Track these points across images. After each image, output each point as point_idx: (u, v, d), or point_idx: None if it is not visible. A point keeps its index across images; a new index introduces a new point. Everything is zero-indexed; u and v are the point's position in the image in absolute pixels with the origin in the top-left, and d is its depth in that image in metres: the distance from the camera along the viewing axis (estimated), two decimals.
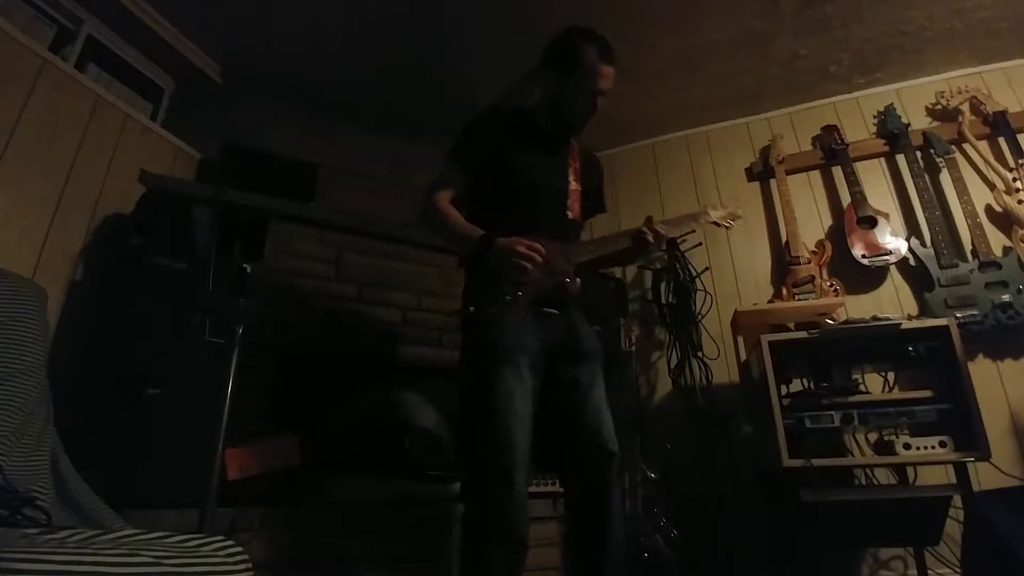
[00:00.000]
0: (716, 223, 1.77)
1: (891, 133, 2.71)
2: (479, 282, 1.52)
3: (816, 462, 1.89)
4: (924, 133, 2.65)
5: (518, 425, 1.38)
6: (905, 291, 2.56)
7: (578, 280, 1.53)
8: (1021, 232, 2.37)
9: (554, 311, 1.52)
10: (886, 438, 1.98)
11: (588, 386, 1.54)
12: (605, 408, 1.54)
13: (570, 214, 1.64)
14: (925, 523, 1.89)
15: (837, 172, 2.80)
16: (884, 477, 2.28)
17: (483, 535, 1.38)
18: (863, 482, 2.25)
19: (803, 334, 2.08)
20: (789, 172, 2.86)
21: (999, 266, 2.33)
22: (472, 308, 1.49)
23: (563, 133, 1.67)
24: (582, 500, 1.51)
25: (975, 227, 2.41)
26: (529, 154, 1.60)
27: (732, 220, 1.79)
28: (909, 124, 2.70)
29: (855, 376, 2.10)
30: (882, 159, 2.78)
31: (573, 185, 1.66)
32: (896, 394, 2.10)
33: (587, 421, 1.50)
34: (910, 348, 1.97)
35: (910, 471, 2.20)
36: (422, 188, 1.63)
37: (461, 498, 1.50)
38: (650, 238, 1.57)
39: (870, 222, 2.61)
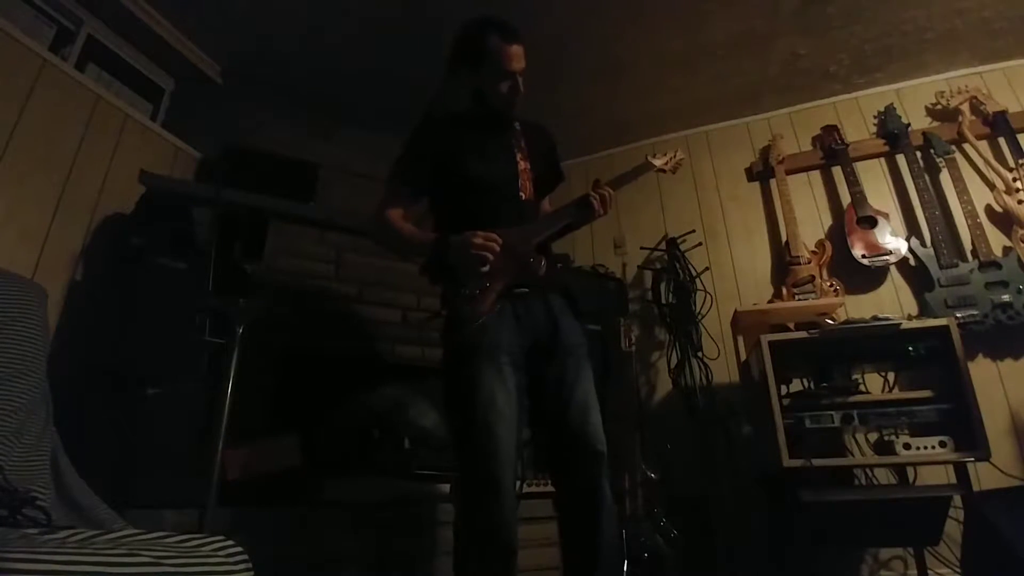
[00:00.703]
0: (662, 169, 1.76)
1: (891, 133, 2.71)
2: (448, 285, 1.51)
3: (816, 462, 1.89)
4: (924, 133, 2.66)
5: (502, 427, 1.36)
6: (905, 291, 2.56)
7: (542, 257, 1.52)
8: (1021, 232, 2.37)
9: (526, 290, 1.51)
10: (886, 438, 1.98)
11: (572, 383, 1.50)
12: (592, 404, 1.50)
13: (523, 195, 1.62)
14: (925, 523, 1.89)
15: (837, 172, 2.80)
16: (884, 477, 2.28)
17: (471, 539, 1.38)
18: (863, 482, 2.25)
19: (803, 334, 2.08)
20: (789, 172, 2.86)
21: (999, 266, 2.33)
22: (443, 311, 1.49)
23: (499, 120, 1.66)
24: (572, 501, 1.48)
25: (975, 227, 2.41)
26: (473, 150, 1.60)
27: (676, 165, 1.78)
28: (909, 124, 2.70)
29: (855, 376, 2.11)
30: (882, 159, 2.78)
31: (522, 165, 1.64)
32: (896, 394, 2.10)
33: (571, 421, 1.46)
34: (910, 348, 1.97)
35: (910, 471, 2.20)
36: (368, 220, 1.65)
37: (452, 500, 1.50)
38: (595, 203, 1.53)
39: (870, 222, 2.61)
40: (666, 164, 1.75)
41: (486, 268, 1.43)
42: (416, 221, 1.62)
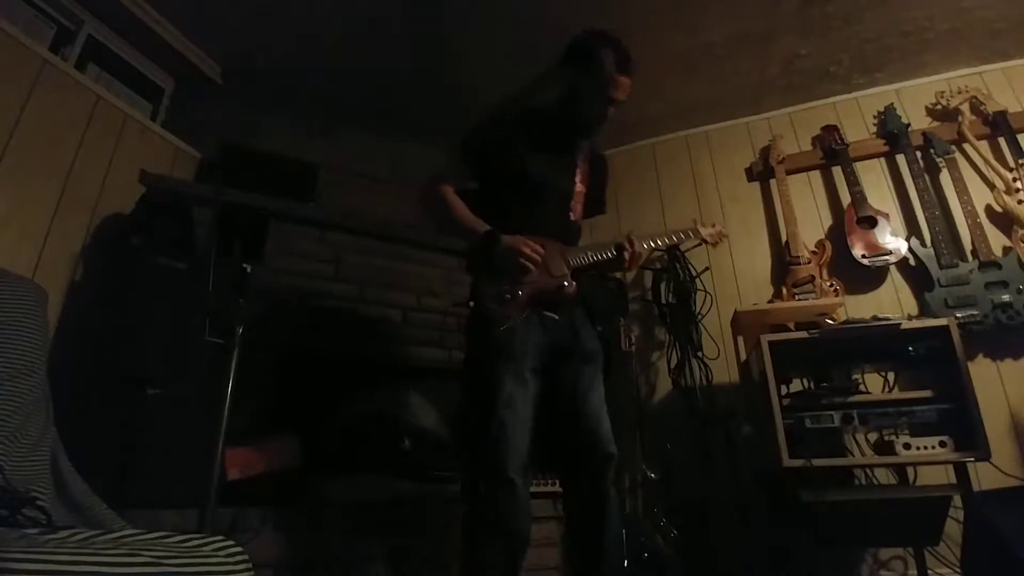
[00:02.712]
0: (704, 240, 1.83)
1: (891, 133, 2.71)
2: (479, 277, 1.53)
3: (816, 462, 1.89)
4: (924, 133, 2.65)
5: (519, 428, 1.39)
6: (905, 291, 2.56)
7: (575, 283, 1.53)
8: (1021, 232, 2.37)
9: (552, 315, 1.52)
10: (886, 438, 1.98)
11: (587, 388, 1.54)
12: (603, 410, 1.55)
13: (572, 216, 1.65)
14: (925, 523, 1.89)
15: (837, 172, 2.80)
16: (884, 477, 2.28)
17: (483, 533, 1.39)
18: (863, 482, 2.25)
19: (803, 334, 2.08)
20: (789, 172, 2.86)
21: (999, 266, 2.33)
22: (471, 303, 1.50)
23: (574, 135, 1.68)
24: (580, 501, 1.51)
25: (975, 227, 2.41)
26: (539, 155, 1.60)
27: (719, 240, 1.88)
28: (909, 124, 2.70)
29: (855, 376, 2.10)
30: (882, 159, 2.78)
31: (579, 187, 1.67)
32: (896, 394, 2.10)
33: (585, 423, 1.51)
34: (910, 348, 1.97)
35: (910, 471, 2.20)
36: (422, 184, 1.64)
37: (462, 496, 1.51)
38: (624, 254, 1.58)
39: (870, 222, 2.61)
40: (711, 237, 1.84)
41: (525, 278, 1.46)
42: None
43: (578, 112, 1.60)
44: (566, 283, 1.52)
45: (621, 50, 1.56)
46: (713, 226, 1.89)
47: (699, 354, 2.71)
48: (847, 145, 2.76)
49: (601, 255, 1.59)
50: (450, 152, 1.64)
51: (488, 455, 1.38)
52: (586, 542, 1.48)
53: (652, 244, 1.68)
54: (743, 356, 2.50)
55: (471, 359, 1.54)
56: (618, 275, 2.97)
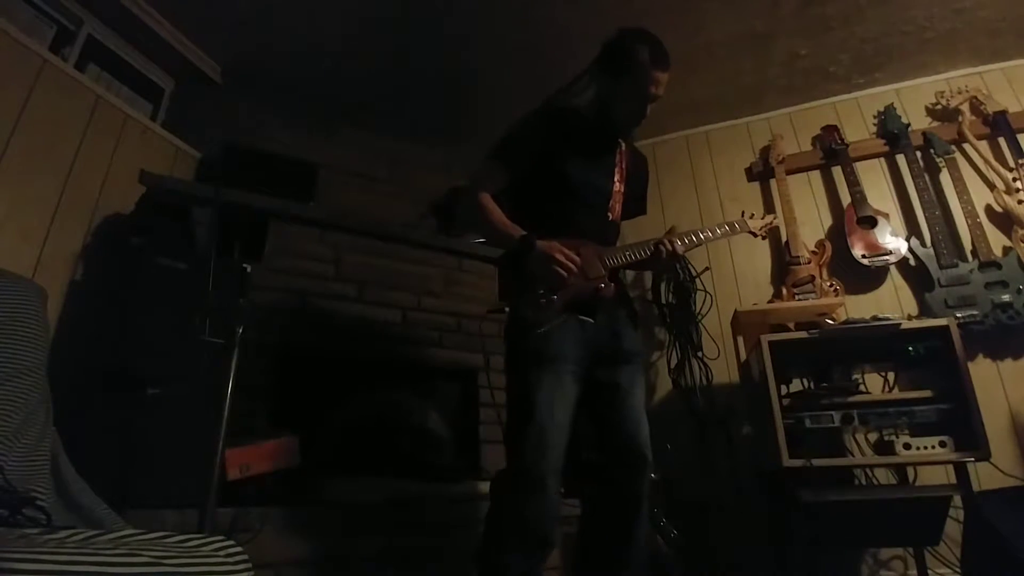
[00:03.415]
0: (753, 233, 1.79)
1: (891, 133, 2.71)
2: (517, 283, 1.51)
3: (816, 462, 1.89)
4: (924, 133, 2.66)
5: (556, 433, 1.39)
6: (905, 291, 2.56)
7: (612, 284, 1.52)
8: (1021, 232, 2.37)
9: (589, 319, 1.51)
10: (886, 438, 1.98)
11: (627, 391, 1.54)
12: (643, 414, 1.54)
13: (611, 215, 1.64)
14: (925, 523, 1.89)
15: (837, 172, 2.80)
16: (884, 477, 2.28)
17: (508, 534, 1.39)
18: (863, 482, 2.25)
19: (803, 334, 2.08)
20: (789, 172, 2.86)
21: (999, 266, 2.33)
22: (506, 308, 1.50)
23: (612, 135, 1.67)
24: (611, 504, 1.50)
25: (975, 227, 2.41)
26: (577, 155, 1.59)
27: (767, 232, 1.84)
28: (909, 124, 2.70)
29: (855, 376, 2.11)
30: (882, 159, 2.78)
31: (617, 187, 1.66)
32: (896, 394, 2.10)
33: (625, 427, 1.51)
34: (910, 348, 1.97)
35: (910, 471, 2.20)
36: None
37: (492, 493, 1.53)
38: (662, 251, 1.55)
39: (870, 222, 2.61)
40: (761, 230, 1.80)
41: (559, 283, 1.44)
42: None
43: (616, 111, 1.59)
44: (603, 284, 1.50)
45: (657, 46, 1.56)
46: (763, 217, 1.84)
47: (699, 354, 2.71)
48: (847, 145, 2.76)
49: (639, 253, 1.58)
50: (487, 153, 1.61)
51: (524, 457, 1.38)
52: (611, 547, 1.47)
53: (692, 239, 1.64)
54: (743, 356, 2.50)
55: (510, 363, 1.54)
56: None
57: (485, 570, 1.41)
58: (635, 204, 1.77)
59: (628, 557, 1.46)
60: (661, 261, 1.57)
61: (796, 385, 2.24)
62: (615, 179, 1.66)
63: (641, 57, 1.53)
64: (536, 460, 1.37)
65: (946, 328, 1.94)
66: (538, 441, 1.37)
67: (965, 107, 2.63)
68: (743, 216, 1.81)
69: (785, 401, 2.01)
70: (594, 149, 1.64)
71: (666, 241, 1.56)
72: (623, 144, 1.71)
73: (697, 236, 1.66)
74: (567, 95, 1.69)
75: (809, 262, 2.63)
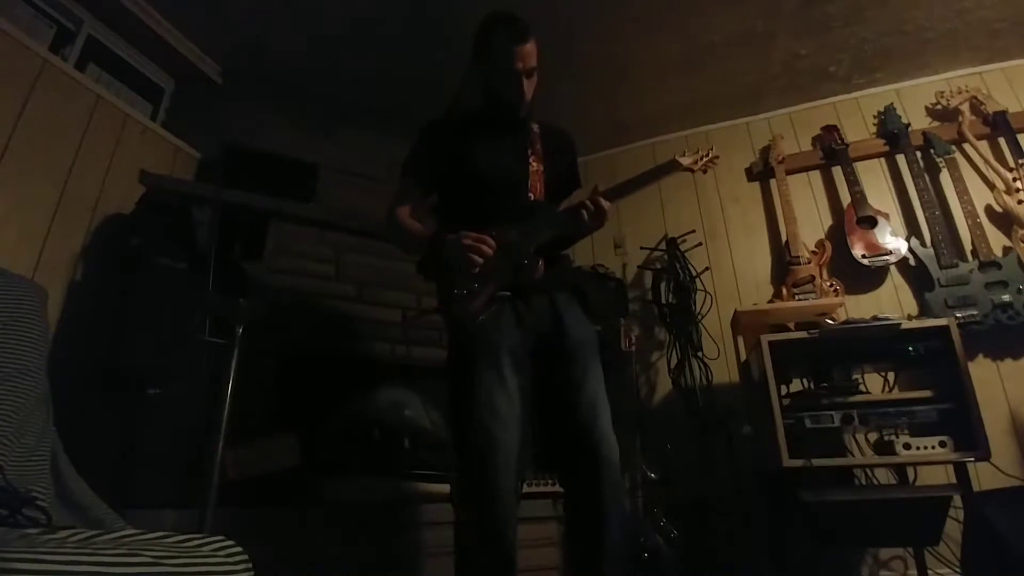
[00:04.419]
0: (689, 169, 1.58)
1: (891, 133, 2.71)
2: (442, 284, 1.51)
3: (816, 462, 1.89)
4: (924, 133, 2.65)
5: (500, 430, 1.33)
6: (905, 291, 2.56)
7: (539, 261, 1.48)
8: (1021, 232, 2.37)
9: (520, 302, 1.46)
10: (886, 438, 1.98)
11: (579, 382, 1.46)
12: (601, 403, 1.46)
13: (532, 195, 1.58)
14: (925, 523, 1.89)
15: (837, 172, 2.80)
16: (884, 477, 2.28)
17: (469, 541, 1.38)
18: (863, 482, 2.25)
19: (803, 334, 2.08)
20: (789, 172, 2.86)
21: (999, 266, 2.33)
22: (439, 310, 1.48)
23: (511, 118, 1.62)
24: (579, 503, 1.44)
25: (975, 227, 2.41)
26: (484, 148, 1.58)
27: (708, 165, 1.59)
28: (909, 124, 2.70)
29: (855, 376, 2.11)
30: (882, 159, 2.78)
31: (534, 166, 1.60)
32: (896, 394, 2.10)
33: (579, 421, 1.43)
34: (910, 348, 1.97)
35: (910, 471, 2.20)
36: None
37: (451, 501, 1.51)
38: (584, 214, 1.47)
39: (870, 222, 2.61)
40: (695, 164, 1.57)
41: (476, 269, 1.41)
42: (423, 216, 1.62)
43: (496, 95, 1.57)
44: (527, 261, 1.46)
45: (508, 22, 1.52)
46: (697, 151, 1.59)
47: (699, 354, 2.71)
48: (847, 145, 2.76)
49: (561, 221, 1.52)
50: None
51: (471, 462, 1.34)
52: (585, 542, 1.41)
53: (618, 189, 1.52)
54: (743, 356, 2.50)
55: (448, 363, 1.50)
56: (617, 275, 2.96)
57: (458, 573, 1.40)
58: (564, 181, 1.71)
59: (604, 552, 1.37)
60: (585, 223, 1.48)
61: (796, 385, 2.24)
62: (530, 160, 1.61)
63: (495, 39, 1.52)
64: (482, 462, 1.31)
65: (946, 328, 1.94)
66: (483, 441, 1.32)
67: (965, 107, 2.63)
68: (674, 156, 1.60)
69: (785, 401, 2.01)
70: (497, 135, 1.61)
71: (587, 201, 1.47)
72: (535, 126, 1.67)
73: (624, 185, 1.54)
74: (459, 99, 1.70)
75: (809, 262, 2.63)
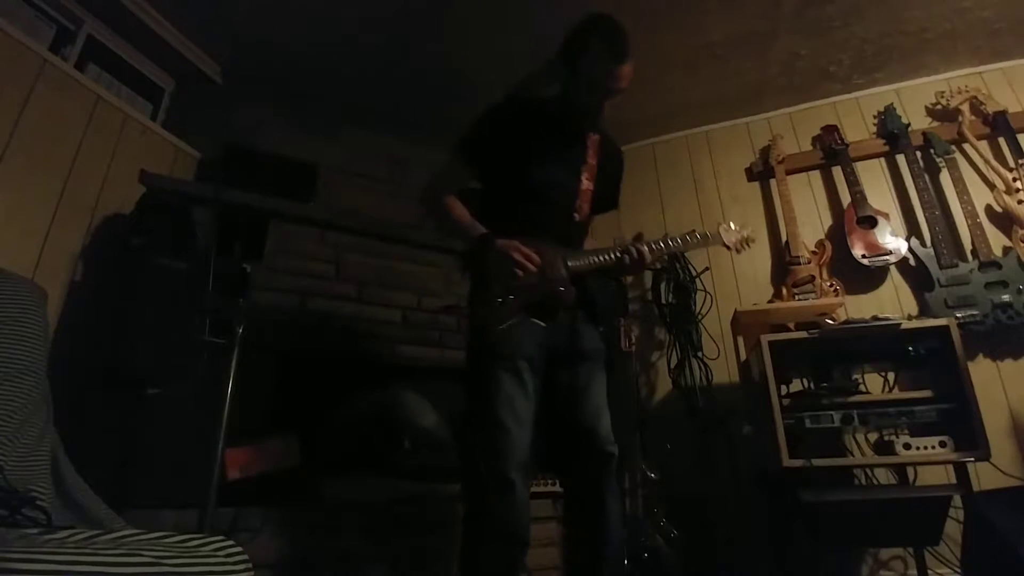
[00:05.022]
0: (727, 246, 1.67)
1: (891, 133, 2.71)
2: (477, 282, 1.52)
3: (816, 462, 1.89)
4: (924, 133, 2.65)
5: (517, 430, 1.38)
6: (905, 291, 2.56)
7: (573, 289, 1.51)
8: (1021, 232, 2.37)
9: (540, 323, 1.48)
10: (886, 438, 1.98)
11: (585, 386, 1.52)
12: (603, 408, 1.52)
13: (577, 216, 1.60)
14: (925, 523, 1.89)
15: (837, 172, 2.80)
16: (884, 477, 2.28)
17: (482, 536, 1.38)
18: (863, 482, 2.25)
19: (803, 334, 2.08)
20: (789, 172, 2.86)
21: (999, 266, 2.33)
22: (465, 307, 1.50)
23: (577, 126, 1.61)
24: (579, 502, 1.50)
25: (975, 227, 2.41)
26: (542, 151, 1.56)
27: (743, 246, 1.69)
28: (909, 124, 2.70)
29: (855, 376, 2.11)
30: (882, 159, 2.78)
31: (585, 185, 1.61)
32: (896, 394, 2.10)
33: (584, 423, 1.49)
34: (910, 348, 1.97)
35: (910, 471, 2.20)
36: (424, 185, 1.63)
37: (462, 499, 1.51)
38: (626, 260, 1.52)
39: (870, 222, 2.61)
40: (736, 243, 1.67)
41: (517, 284, 1.43)
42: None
43: (575, 103, 1.54)
44: (563, 288, 1.48)
45: (613, 38, 1.45)
46: (739, 229, 1.68)
47: (699, 354, 2.71)
48: (847, 145, 2.76)
49: (602, 259, 1.55)
50: (449, 152, 1.61)
51: (488, 458, 1.37)
52: (585, 542, 1.46)
53: (660, 247, 1.59)
54: (743, 356, 2.50)
55: (469, 362, 1.53)
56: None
57: (464, 572, 1.41)
58: (606, 200, 1.71)
59: (603, 550, 1.42)
60: (625, 268, 1.54)
61: (796, 385, 2.24)
62: (583, 176, 1.61)
63: (598, 51, 1.44)
64: (500, 460, 1.35)
65: (946, 328, 1.94)
66: (501, 440, 1.36)
67: (965, 107, 2.63)
68: (718, 227, 1.68)
69: (785, 401, 2.01)
70: (558, 144, 1.59)
71: (632, 248, 1.52)
72: (595, 137, 1.65)
73: (666, 243, 1.60)
74: (529, 86, 1.66)
75: (809, 262, 2.63)
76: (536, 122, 1.58)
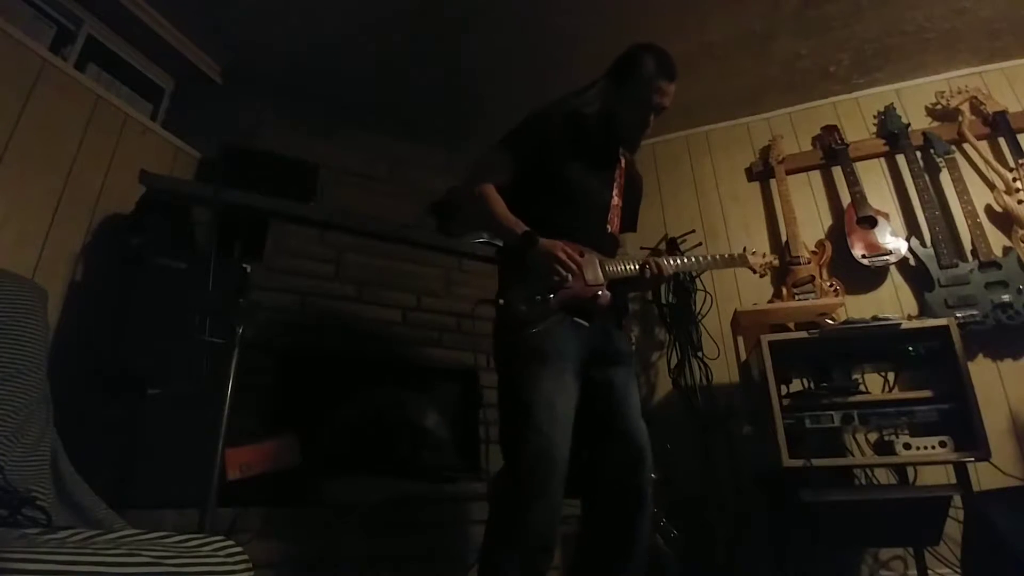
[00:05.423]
0: (753, 269, 1.75)
1: (891, 133, 2.71)
2: (513, 278, 1.51)
3: (816, 462, 1.89)
4: (924, 133, 2.66)
5: (558, 433, 1.36)
6: (905, 291, 2.56)
7: (609, 294, 1.52)
8: (1021, 232, 2.37)
9: (583, 322, 1.50)
10: (886, 438, 1.99)
11: (624, 390, 1.53)
12: (639, 413, 1.54)
13: (610, 228, 1.64)
14: (925, 523, 1.89)
15: (837, 172, 2.80)
16: (884, 477, 2.28)
17: (511, 542, 1.35)
18: (863, 482, 2.25)
19: (803, 334, 2.08)
20: (789, 172, 2.86)
21: (999, 266, 2.33)
22: (501, 301, 1.47)
23: (614, 146, 1.67)
24: (614, 500, 1.47)
25: (975, 227, 2.41)
26: (580, 162, 1.59)
27: (766, 271, 1.79)
28: (909, 124, 2.70)
29: (855, 376, 2.11)
30: (882, 159, 2.78)
31: (615, 200, 1.66)
32: (896, 394, 2.10)
33: (626, 424, 1.50)
34: (910, 348, 1.97)
35: (910, 471, 2.20)
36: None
37: (492, 497, 1.51)
38: (646, 271, 1.56)
39: (870, 222, 2.61)
40: (760, 267, 1.76)
41: (559, 283, 1.44)
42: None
43: (620, 120, 1.59)
44: (600, 292, 1.50)
45: (663, 56, 1.56)
46: (764, 255, 1.78)
47: (699, 354, 2.71)
48: (847, 145, 2.76)
49: (630, 267, 1.57)
50: (490, 148, 1.61)
51: (525, 461, 1.35)
52: (614, 542, 1.45)
53: (682, 262, 1.67)
54: (743, 356, 2.50)
55: (504, 362, 1.51)
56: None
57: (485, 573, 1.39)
58: (628, 221, 1.77)
59: (632, 552, 1.43)
60: (645, 281, 1.57)
61: (796, 385, 2.24)
62: (614, 192, 1.66)
63: (646, 65, 1.54)
64: (538, 464, 1.33)
65: (946, 328, 1.94)
66: (540, 444, 1.34)
67: (965, 107, 2.63)
68: (744, 251, 1.78)
69: (785, 401, 2.01)
70: (596, 159, 1.63)
71: (651, 261, 1.56)
72: (623, 160, 1.72)
73: (688, 260, 1.69)
74: (578, 101, 1.68)
75: (809, 262, 2.63)
76: (579, 132, 1.61)
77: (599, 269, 1.52)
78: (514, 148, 1.58)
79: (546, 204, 1.56)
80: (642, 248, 3.03)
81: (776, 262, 1.84)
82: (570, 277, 1.44)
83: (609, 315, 1.58)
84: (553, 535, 1.36)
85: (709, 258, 1.78)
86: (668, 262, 1.60)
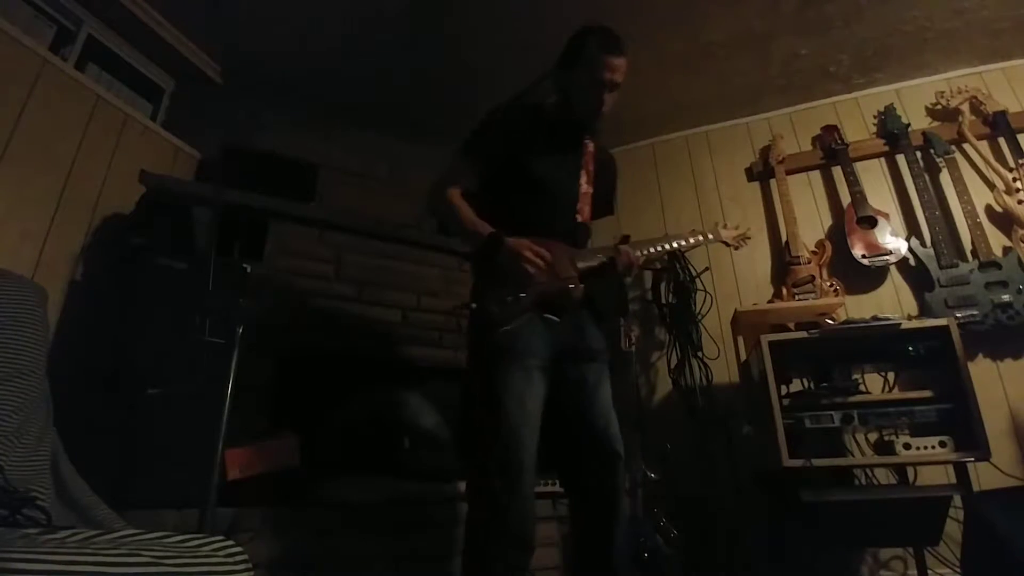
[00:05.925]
0: (725, 243, 1.76)
1: (891, 133, 2.71)
2: (483, 280, 1.52)
3: (816, 462, 1.89)
4: (924, 133, 2.65)
5: (527, 430, 1.38)
6: (905, 291, 2.56)
7: (581, 286, 1.52)
8: (1021, 232, 2.37)
9: (554, 318, 1.50)
10: (886, 438, 1.98)
11: (595, 386, 1.53)
12: (611, 409, 1.54)
13: (579, 217, 1.63)
14: (925, 523, 1.89)
15: (837, 172, 2.80)
16: (884, 477, 2.28)
17: (488, 538, 1.37)
18: (863, 482, 2.25)
19: (803, 334, 2.08)
20: (789, 172, 2.86)
21: (999, 266, 2.33)
22: (474, 305, 1.49)
23: (576, 132, 1.66)
24: (589, 502, 1.49)
25: (975, 227, 2.41)
26: (544, 154, 1.59)
27: (741, 243, 1.78)
28: (909, 124, 2.70)
29: (855, 376, 2.10)
30: (882, 159, 2.78)
31: (584, 188, 1.65)
32: (896, 394, 2.10)
33: (595, 422, 1.50)
34: (910, 348, 1.97)
35: (910, 471, 2.20)
36: (423, 186, 1.64)
37: (467, 499, 1.50)
38: (616, 262, 1.56)
39: (870, 222, 2.61)
40: (733, 239, 1.76)
41: (528, 281, 1.44)
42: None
43: (575, 102, 1.58)
44: (572, 286, 1.50)
45: (606, 32, 1.55)
46: (736, 227, 1.79)
47: (699, 354, 2.71)
48: (847, 145, 2.76)
49: (600, 258, 1.58)
50: (453, 153, 1.62)
51: (498, 458, 1.36)
52: (594, 543, 1.46)
53: (651, 251, 1.65)
54: (743, 356, 2.50)
55: (475, 362, 1.53)
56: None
57: (468, 574, 1.40)
58: (603, 206, 1.76)
59: (612, 551, 1.44)
60: (617, 269, 1.57)
61: (796, 385, 2.24)
62: (582, 180, 1.65)
63: (589, 44, 1.53)
64: (508, 461, 1.35)
65: (946, 328, 1.94)
66: (511, 440, 1.36)
67: (965, 107, 2.63)
68: (716, 225, 1.78)
69: (785, 401, 2.01)
70: (559, 148, 1.63)
71: (620, 249, 1.57)
72: (590, 145, 1.71)
73: (658, 247, 1.68)
74: (534, 94, 1.68)
75: (809, 262, 2.63)
76: (537, 125, 1.62)
77: (569, 263, 1.52)
78: (477, 150, 1.59)
79: (514, 200, 1.57)
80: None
81: (749, 233, 1.82)
82: (538, 273, 1.44)
83: (583, 310, 1.58)
84: (529, 528, 1.37)
85: (680, 240, 1.73)
86: (640, 251, 1.60)
